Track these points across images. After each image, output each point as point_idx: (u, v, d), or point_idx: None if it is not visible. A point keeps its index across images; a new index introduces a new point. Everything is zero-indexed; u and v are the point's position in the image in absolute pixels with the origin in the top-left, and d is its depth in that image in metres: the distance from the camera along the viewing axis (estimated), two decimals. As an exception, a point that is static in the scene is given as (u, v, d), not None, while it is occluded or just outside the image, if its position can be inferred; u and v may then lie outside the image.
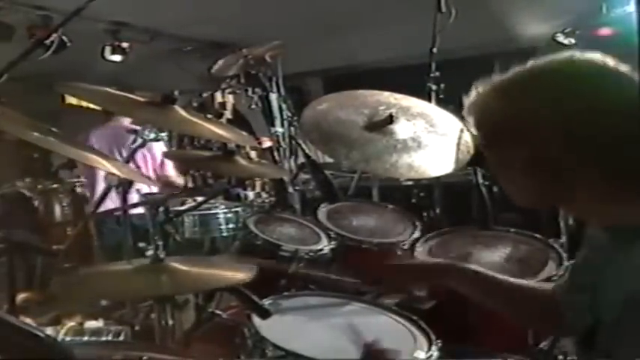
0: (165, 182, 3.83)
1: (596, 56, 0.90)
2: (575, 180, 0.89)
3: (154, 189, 2.76)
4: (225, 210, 3.19)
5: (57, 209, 4.18)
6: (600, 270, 0.94)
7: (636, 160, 0.84)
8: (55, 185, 4.35)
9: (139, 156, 3.59)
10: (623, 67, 0.89)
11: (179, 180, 3.92)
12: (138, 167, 3.58)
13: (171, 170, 3.84)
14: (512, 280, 1.24)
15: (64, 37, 3.59)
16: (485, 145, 0.98)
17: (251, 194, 3.50)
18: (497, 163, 0.98)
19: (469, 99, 0.97)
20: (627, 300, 0.83)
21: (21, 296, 2.27)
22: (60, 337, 1.89)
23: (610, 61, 0.90)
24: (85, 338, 1.91)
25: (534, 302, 1.18)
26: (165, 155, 3.12)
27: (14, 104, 1.29)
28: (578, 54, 0.92)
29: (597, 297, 0.92)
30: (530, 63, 0.94)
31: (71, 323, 2.17)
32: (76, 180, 4.58)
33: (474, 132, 0.99)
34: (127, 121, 3.63)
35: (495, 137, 0.95)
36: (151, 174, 3.72)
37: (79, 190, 4.45)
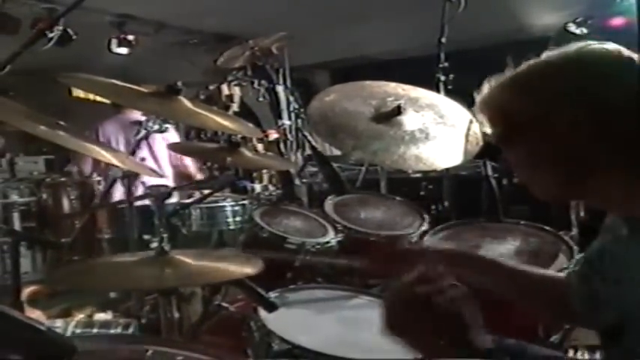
0: (180, 173, 3.81)
1: (611, 45, 0.88)
2: (600, 169, 0.87)
3: (162, 181, 2.75)
4: (233, 203, 3.17)
5: (65, 202, 4.19)
6: (623, 263, 0.92)
7: None
8: (63, 178, 4.36)
9: (157, 146, 3.58)
10: (637, 57, 0.87)
11: (197, 174, 3.89)
12: (155, 158, 3.56)
13: (189, 160, 3.81)
14: (523, 267, 1.22)
15: (69, 30, 3.57)
16: (504, 141, 0.95)
17: (258, 187, 3.49)
18: (517, 158, 0.95)
19: (481, 96, 0.94)
20: None
21: (30, 289, 2.29)
22: (70, 329, 1.89)
23: (625, 51, 0.87)
24: (95, 330, 1.91)
25: (545, 290, 1.16)
26: (171, 147, 3.10)
27: (22, 98, 1.28)
28: (593, 43, 0.89)
29: (623, 292, 0.89)
30: (545, 54, 0.91)
31: (81, 315, 2.18)
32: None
33: (489, 129, 0.96)
34: (135, 113, 3.61)
35: (516, 132, 0.92)
36: (167, 165, 3.70)
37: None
